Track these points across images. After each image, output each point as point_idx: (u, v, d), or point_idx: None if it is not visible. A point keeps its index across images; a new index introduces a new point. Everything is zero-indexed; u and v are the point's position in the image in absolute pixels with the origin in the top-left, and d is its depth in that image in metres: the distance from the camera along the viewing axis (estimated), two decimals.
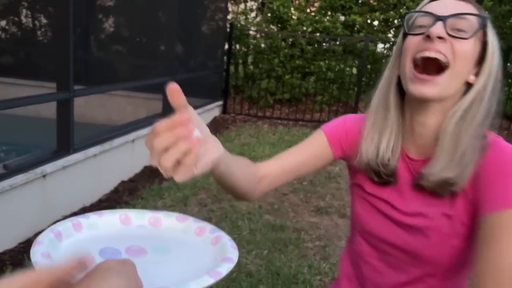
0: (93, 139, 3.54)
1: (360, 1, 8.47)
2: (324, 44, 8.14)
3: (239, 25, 8.17)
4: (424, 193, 0.81)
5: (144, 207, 3.53)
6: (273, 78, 7.89)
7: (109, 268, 0.45)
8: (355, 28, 8.15)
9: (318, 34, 7.93)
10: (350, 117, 0.96)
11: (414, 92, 0.77)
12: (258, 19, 8.95)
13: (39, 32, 6.32)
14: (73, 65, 3.06)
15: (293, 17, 8.10)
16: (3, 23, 5.97)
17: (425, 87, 0.76)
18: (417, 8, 0.84)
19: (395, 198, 0.86)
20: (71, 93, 3.11)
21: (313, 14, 8.30)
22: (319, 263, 2.94)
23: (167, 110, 5.05)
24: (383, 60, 8.08)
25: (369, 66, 7.94)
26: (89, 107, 5.10)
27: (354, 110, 7.30)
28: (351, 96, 7.81)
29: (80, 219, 0.68)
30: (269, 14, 8.43)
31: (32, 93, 2.98)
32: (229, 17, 8.14)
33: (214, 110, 7.01)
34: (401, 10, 8.17)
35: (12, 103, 2.79)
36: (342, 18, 8.29)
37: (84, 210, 3.34)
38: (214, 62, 7.35)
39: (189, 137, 0.54)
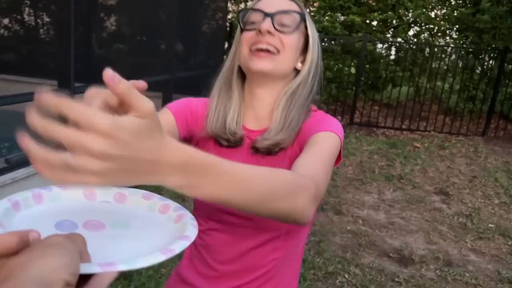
0: None
1: (359, 2, 8.52)
2: (323, 43, 8.20)
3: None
4: (261, 155, 0.95)
5: None
6: None
7: (53, 244, 0.40)
8: (354, 28, 8.20)
9: (317, 33, 7.98)
10: (192, 99, 1.05)
11: (253, 67, 0.91)
12: None
13: (41, 30, 6.38)
14: (74, 62, 3.13)
15: None
16: (6, 21, 6.02)
17: (261, 62, 0.91)
18: (249, 6, 0.98)
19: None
20: (72, 90, 3.17)
21: (312, 14, 8.36)
22: (313, 258, 3.01)
23: None
24: (382, 60, 8.14)
25: (367, 66, 8.00)
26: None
27: (352, 109, 7.36)
28: (349, 96, 7.86)
29: (42, 190, 0.63)
30: None
31: (34, 90, 3.05)
32: (229, 16, 8.20)
33: None
34: (399, 11, 8.23)
35: (14, 99, 2.86)
36: (341, 18, 8.35)
37: None
38: (214, 61, 7.40)
39: None
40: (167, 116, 0.97)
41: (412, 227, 3.70)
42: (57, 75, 3.21)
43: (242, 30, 0.96)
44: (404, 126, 7.30)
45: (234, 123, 0.97)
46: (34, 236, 0.41)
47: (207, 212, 0.99)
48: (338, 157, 0.91)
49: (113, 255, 0.51)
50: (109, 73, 0.43)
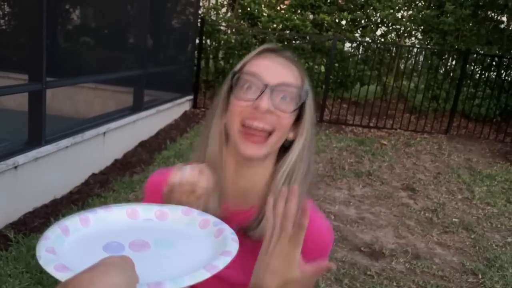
0: (65, 131, 3.53)
1: (329, 1, 8.66)
2: (293, 41, 8.29)
3: (210, 20, 8.19)
4: (248, 241, 0.82)
5: (115, 199, 3.55)
6: None
7: (112, 264, 0.45)
8: (324, 27, 8.33)
9: (288, 31, 8.06)
10: (150, 185, 0.96)
11: (246, 152, 0.81)
12: (229, 14, 8.99)
13: (10, 22, 6.15)
14: (46, 56, 3.05)
15: (264, 14, 8.19)
16: None
17: (254, 148, 0.81)
18: (246, 61, 0.86)
19: None
20: (44, 84, 3.09)
21: (283, 12, 8.43)
22: None
23: (138, 103, 5.05)
24: (350, 59, 8.30)
25: (336, 65, 8.14)
26: (55, 99, 5.03)
27: (322, 107, 7.48)
28: (319, 94, 7.97)
29: (88, 214, 0.68)
30: (239, 10, 8.49)
31: (3, 84, 2.96)
32: (200, 11, 8.15)
33: (184, 104, 7.02)
34: (368, 11, 8.41)
35: None
36: (311, 16, 8.45)
37: (55, 202, 3.34)
38: (185, 56, 7.36)
39: None
40: None
41: (381, 222, 3.82)
42: (27, 68, 3.11)
43: (230, 91, 0.84)
44: (371, 124, 7.49)
45: (215, 206, 0.84)
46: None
47: None
48: None
49: (159, 274, 0.55)
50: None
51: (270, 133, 0.82)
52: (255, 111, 0.79)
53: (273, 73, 0.81)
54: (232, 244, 0.61)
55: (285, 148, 0.87)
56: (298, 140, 0.86)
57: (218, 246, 0.62)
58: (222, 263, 0.56)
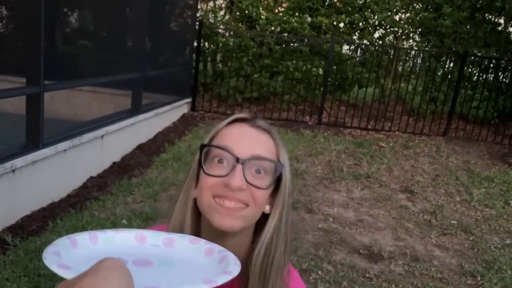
0: (63, 134, 3.53)
1: (326, 3, 8.68)
2: (291, 44, 8.30)
3: (208, 23, 8.20)
4: None
5: (114, 202, 3.55)
6: (241, 76, 7.98)
7: (113, 267, 0.45)
8: (322, 30, 8.34)
9: (286, 34, 8.08)
10: None
11: (221, 224, 0.75)
12: (227, 17, 9.01)
13: (8, 25, 6.15)
14: (44, 59, 3.04)
15: (262, 16, 8.21)
16: None
17: (228, 220, 0.75)
18: (216, 131, 0.81)
19: None
20: (42, 87, 3.09)
21: (281, 14, 8.44)
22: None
23: (136, 106, 5.05)
24: (348, 62, 8.32)
25: (334, 67, 8.15)
26: (53, 102, 5.02)
27: (320, 109, 7.49)
28: (317, 96, 8.00)
29: (98, 233, 0.69)
30: (237, 13, 8.50)
31: (1, 87, 2.95)
32: (198, 14, 8.16)
33: (183, 107, 7.02)
34: (365, 13, 8.43)
35: None
36: (309, 19, 8.47)
37: (53, 206, 3.33)
38: (183, 59, 7.36)
39: None
40: None
41: (380, 224, 3.82)
42: (25, 72, 3.11)
43: (201, 164, 0.78)
44: (369, 126, 7.50)
45: None
46: None
47: None
48: None
49: (159, 284, 0.56)
50: None
51: (243, 208, 0.77)
52: (226, 189, 0.74)
53: (245, 146, 0.76)
54: (234, 266, 0.62)
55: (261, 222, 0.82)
56: (273, 213, 0.80)
57: (220, 268, 0.64)
58: (221, 279, 0.57)
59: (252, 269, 0.79)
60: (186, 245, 0.72)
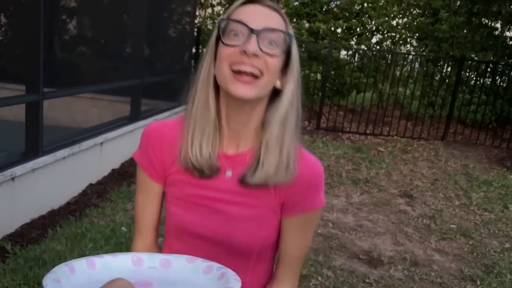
0: (62, 142, 3.53)
1: (324, 9, 8.72)
2: None
3: (206, 29, 8.23)
4: (246, 186, 0.90)
5: (113, 209, 3.55)
6: None
7: (124, 287, 0.47)
8: (320, 35, 8.38)
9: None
10: (151, 131, 1.00)
11: (236, 93, 0.83)
12: None
13: (6, 33, 6.17)
14: (43, 66, 3.05)
15: None
16: None
17: (244, 88, 0.83)
18: (231, 10, 0.88)
19: (216, 191, 0.92)
20: (41, 95, 3.10)
21: None
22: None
23: (135, 112, 5.05)
24: (346, 67, 8.35)
25: (332, 72, 8.18)
26: (52, 109, 5.03)
27: (319, 114, 7.51)
28: (315, 101, 8.02)
29: (95, 258, 0.71)
30: None
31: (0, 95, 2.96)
32: (196, 21, 8.19)
33: (181, 113, 7.02)
34: (363, 19, 8.48)
35: None
36: (307, 25, 8.51)
37: (53, 213, 3.33)
38: (182, 65, 7.38)
39: None
40: (142, 177, 0.99)
41: (379, 229, 3.82)
42: (24, 79, 3.11)
43: (218, 39, 0.87)
44: (368, 131, 7.51)
45: (209, 150, 0.89)
46: None
47: (177, 233, 0.97)
48: None
49: None
50: None
51: (258, 78, 0.84)
52: (242, 56, 0.82)
53: (258, 19, 0.84)
54: (234, 282, 0.63)
55: (273, 98, 0.90)
56: (287, 87, 0.89)
57: (221, 285, 0.64)
58: None
59: (269, 134, 0.88)
60: (183, 265, 0.73)
